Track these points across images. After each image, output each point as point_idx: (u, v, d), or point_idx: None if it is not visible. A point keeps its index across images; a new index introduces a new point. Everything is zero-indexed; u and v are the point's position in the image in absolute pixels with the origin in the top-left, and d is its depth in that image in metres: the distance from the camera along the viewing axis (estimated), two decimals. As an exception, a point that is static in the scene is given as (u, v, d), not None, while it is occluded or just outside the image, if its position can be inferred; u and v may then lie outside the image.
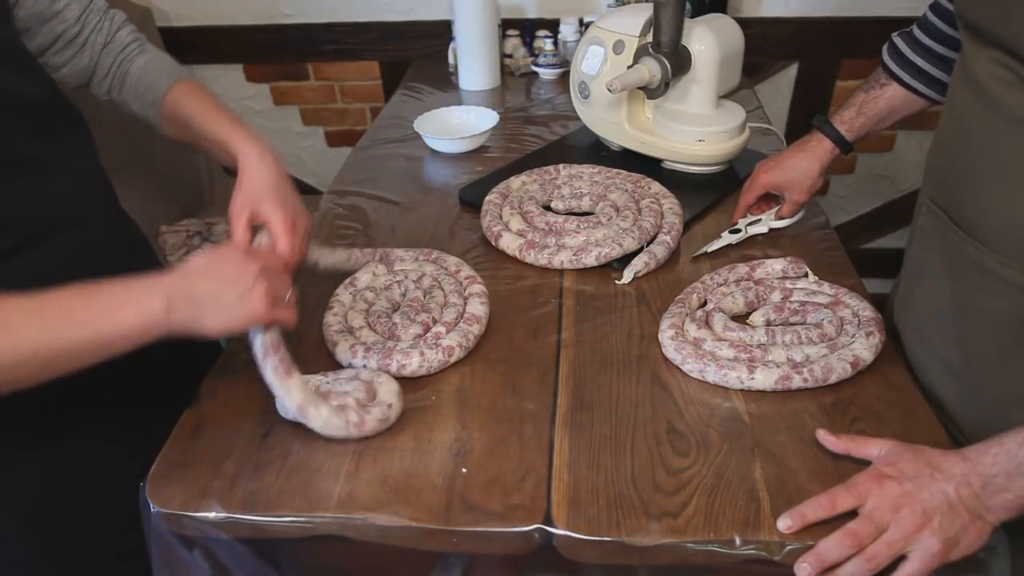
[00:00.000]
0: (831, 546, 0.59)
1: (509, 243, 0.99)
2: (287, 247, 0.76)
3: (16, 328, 0.58)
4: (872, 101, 0.97)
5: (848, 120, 0.99)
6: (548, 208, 1.09)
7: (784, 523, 0.62)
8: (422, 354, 0.79)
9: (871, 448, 0.66)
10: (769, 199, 1.07)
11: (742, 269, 0.93)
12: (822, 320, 0.83)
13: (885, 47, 0.96)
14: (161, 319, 0.62)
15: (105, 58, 0.87)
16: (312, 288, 0.94)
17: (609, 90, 1.09)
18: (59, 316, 0.59)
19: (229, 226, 0.76)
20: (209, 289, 0.64)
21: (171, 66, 0.89)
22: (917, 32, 0.93)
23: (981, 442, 0.62)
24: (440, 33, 1.87)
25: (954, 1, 0.77)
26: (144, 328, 0.62)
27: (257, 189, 0.77)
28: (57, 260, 0.72)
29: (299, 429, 0.74)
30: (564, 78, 1.69)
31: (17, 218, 0.71)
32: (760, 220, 1.04)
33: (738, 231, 1.02)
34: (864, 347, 0.78)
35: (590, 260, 0.96)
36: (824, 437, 0.69)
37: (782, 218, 1.04)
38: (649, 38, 1.14)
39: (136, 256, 0.91)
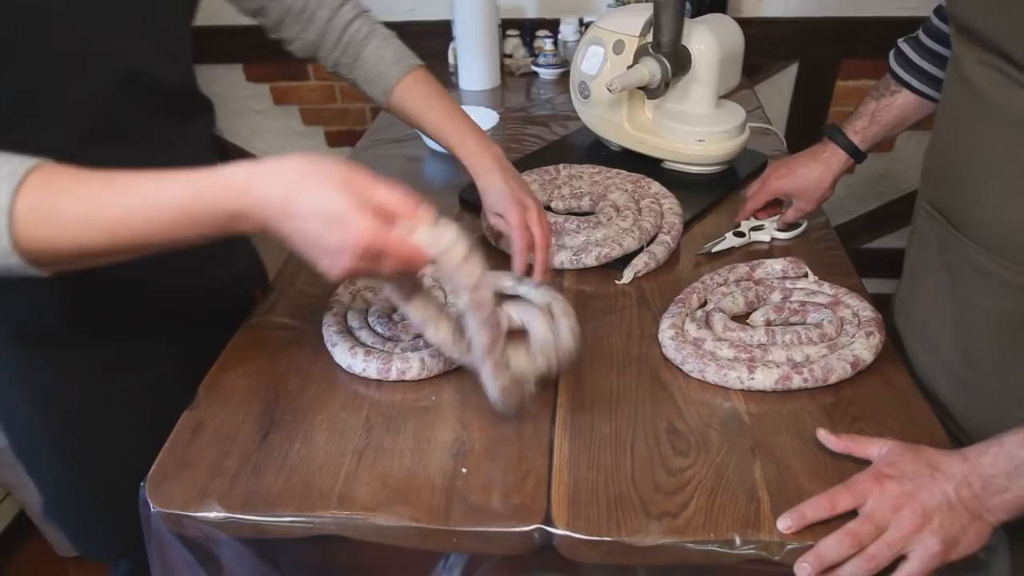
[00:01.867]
0: (831, 546, 0.59)
1: (509, 243, 0.99)
2: (520, 240, 0.84)
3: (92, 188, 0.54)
4: (884, 110, 0.97)
5: (861, 130, 0.99)
6: (548, 208, 1.09)
7: (784, 523, 0.62)
8: (422, 361, 0.79)
9: (871, 448, 0.66)
10: (774, 204, 1.07)
11: (742, 269, 0.93)
12: (822, 320, 0.83)
13: (891, 54, 0.96)
14: (239, 212, 0.54)
15: (331, 32, 0.93)
16: (311, 288, 0.94)
17: (609, 90, 1.09)
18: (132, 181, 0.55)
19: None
20: (308, 228, 0.55)
21: (400, 54, 0.96)
22: (923, 37, 0.92)
23: (980, 443, 0.62)
24: (440, 33, 1.87)
25: (946, 1, 0.77)
26: (219, 220, 0.55)
27: (495, 197, 0.87)
28: None
29: (299, 429, 0.74)
30: (564, 78, 1.69)
31: None
32: (764, 227, 1.04)
33: (742, 234, 1.02)
34: (864, 347, 0.78)
35: (590, 260, 0.96)
36: (824, 436, 0.69)
37: (787, 223, 1.03)
38: (649, 38, 1.14)
39: (229, 238, 0.98)
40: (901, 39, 0.95)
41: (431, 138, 0.95)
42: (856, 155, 1.00)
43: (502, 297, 0.81)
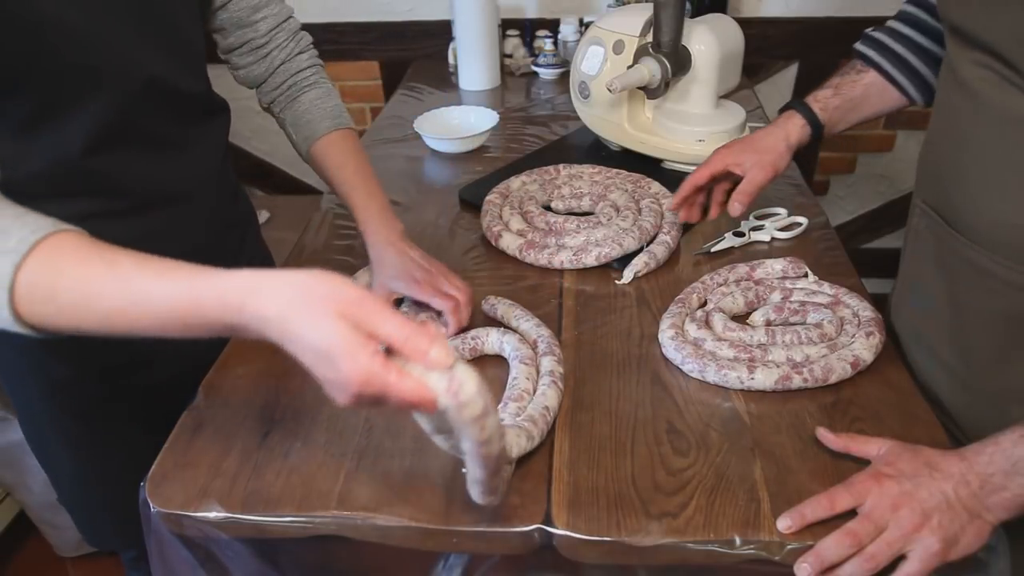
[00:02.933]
0: (830, 546, 0.59)
1: (509, 243, 0.99)
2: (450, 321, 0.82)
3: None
4: (848, 84, 0.94)
5: (823, 99, 0.94)
6: (548, 208, 1.09)
7: (784, 523, 0.62)
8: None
9: (870, 447, 0.66)
10: (725, 183, 0.99)
11: (742, 269, 0.93)
12: (822, 320, 0.83)
13: (858, 41, 0.94)
14: (235, 325, 0.51)
15: (279, 75, 0.95)
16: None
17: (609, 90, 1.09)
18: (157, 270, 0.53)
19: None
20: (303, 358, 0.51)
21: (335, 111, 0.96)
22: (894, 23, 0.92)
23: (978, 442, 0.62)
24: (440, 33, 1.87)
25: (938, 3, 0.77)
26: (218, 325, 0.52)
27: (387, 276, 0.84)
28: (162, 226, 0.78)
29: (299, 429, 0.74)
30: (564, 78, 1.69)
31: (140, 187, 0.78)
32: (764, 227, 1.04)
33: (741, 234, 1.02)
34: (864, 347, 0.78)
35: (590, 260, 0.96)
36: (824, 435, 0.69)
37: (745, 197, 0.93)
38: (649, 38, 1.14)
39: (239, 238, 1.00)
40: (869, 28, 0.94)
41: (339, 196, 0.92)
42: (814, 124, 0.93)
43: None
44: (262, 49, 0.92)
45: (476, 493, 0.60)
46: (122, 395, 0.89)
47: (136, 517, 0.70)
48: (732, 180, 0.97)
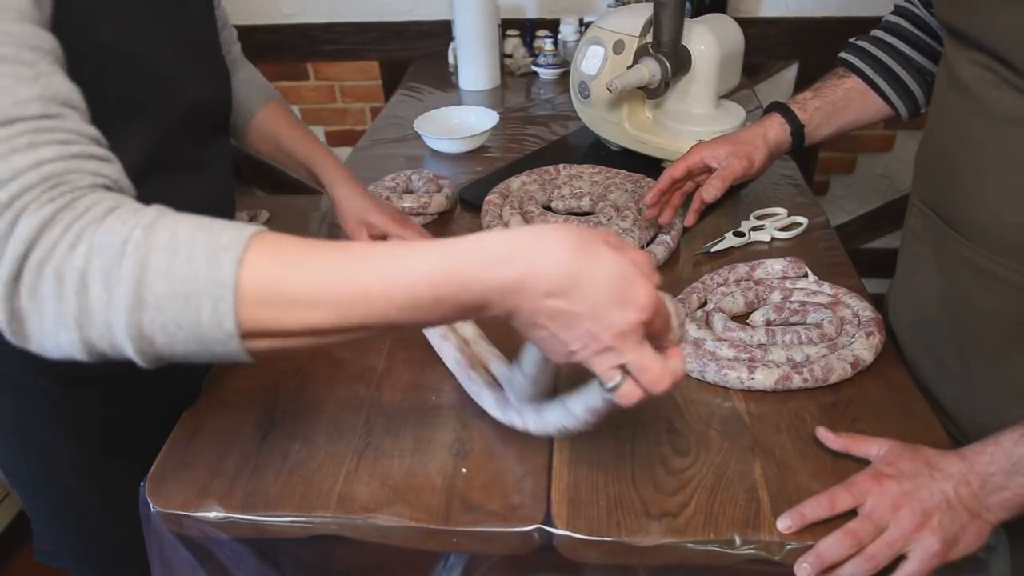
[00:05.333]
0: (831, 546, 0.60)
1: (509, 243, 0.99)
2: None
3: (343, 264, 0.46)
4: (829, 87, 0.95)
5: (802, 100, 0.95)
6: (548, 208, 1.09)
7: (784, 523, 0.62)
8: None
9: (870, 447, 0.66)
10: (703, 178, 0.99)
11: (742, 269, 0.93)
12: (822, 320, 0.83)
13: (843, 49, 0.96)
14: (503, 285, 0.46)
15: None
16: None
17: (609, 90, 1.09)
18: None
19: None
20: (599, 301, 0.47)
21: (264, 84, 0.97)
22: (878, 32, 0.93)
23: (978, 442, 0.62)
24: (440, 33, 1.87)
25: (934, 5, 0.77)
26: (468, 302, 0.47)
27: (359, 209, 0.91)
28: None
29: (299, 429, 0.74)
30: (564, 78, 1.69)
31: (174, 208, 0.73)
32: (764, 227, 1.04)
33: (741, 234, 1.02)
34: (864, 347, 0.78)
35: (590, 260, 0.95)
36: (824, 434, 0.69)
37: (717, 187, 0.93)
38: (649, 38, 1.14)
39: None
40: (854, 37, 0.96)
41: (285, 158, 0.97)
42: (793, 123, 0.94)
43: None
44: None
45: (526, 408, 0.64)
46: (149, 425, 0.84)
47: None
48: (707, 176, 0.98)
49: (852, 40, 0.95)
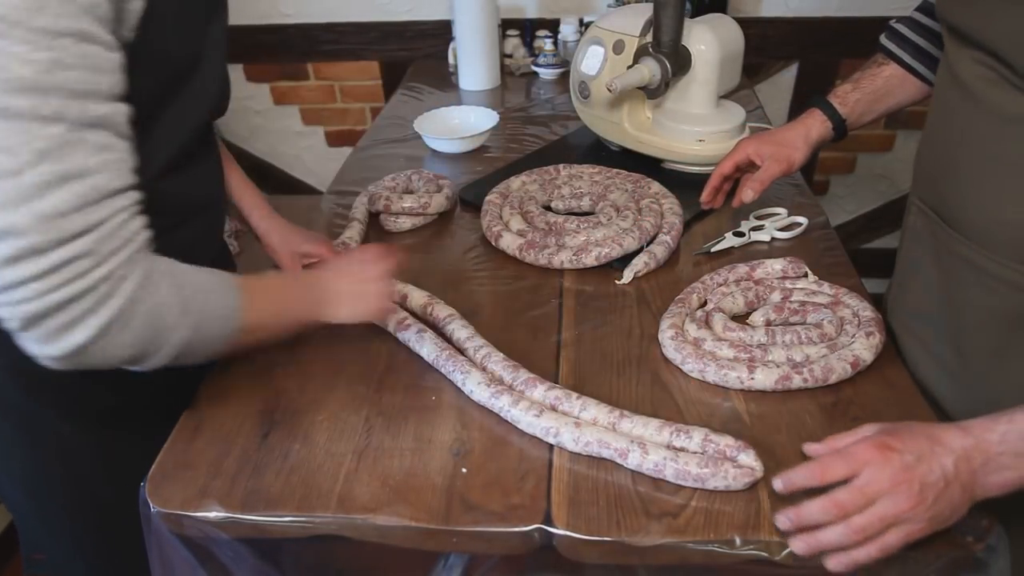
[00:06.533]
0: (813, 511, 0.58)
1: (509, 243, 0.99)
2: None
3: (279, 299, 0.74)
4: (869, 78, 0.96)
5: (843, 94, 0.97)
6: (548, 208, 1.09)
7: (776, 484, 0.61)
8: None
9: (860, 432, 0.64)
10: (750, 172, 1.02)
11: (742, 269, 0.93)
12: (822, 320, 0.83)
13: (883, 33, 0.96)
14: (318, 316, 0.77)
15: None
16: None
17: (609, 90, 1.09)
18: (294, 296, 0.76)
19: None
20: (347, 287, 0.78)
21: None
22: (916, 14, 0.92)
23: (986, 417, 0.59)
24: (440, 33, 1.87)
25: (936, 3, 0.77)
26: (314, 320, 0.77)
27: (290, 242, 0.97)
28: (194, 237, 0.79)
29: (299, 429, 0.74)
30: (564, 78, 1.69)
31: (181, 203, 0.79)
32: (764, 227, 1.04)
33: (741, 234, 1.02)
34: (864, 347, 0.78)
35: (590, 260, 0.96)
36: (809, 447, 0.67)
37: (759, 185, 0.97)
38: (649, 38, 1.14)
39: (223, 247, 1.02)
40: (893, 20, 0.95)
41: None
42: (835, 119, 0.96)
43: None
44: None
45: None
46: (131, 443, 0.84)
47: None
48: (754, 170, 1.00)
49: (892, 23, 0.95)
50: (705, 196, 1.06)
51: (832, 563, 0.59)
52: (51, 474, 0.86)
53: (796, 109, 1.99)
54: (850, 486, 0.59)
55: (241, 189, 0.98)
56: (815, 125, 0.98)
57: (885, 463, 0.58)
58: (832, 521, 0.58)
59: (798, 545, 0.60)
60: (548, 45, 1.77)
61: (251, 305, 0.68)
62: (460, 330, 0.83)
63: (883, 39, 0.95)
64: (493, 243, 1.02)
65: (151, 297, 0.60)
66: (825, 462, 0.61)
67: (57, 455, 0.85)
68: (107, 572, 0.96)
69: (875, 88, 0.95)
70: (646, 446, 0.67)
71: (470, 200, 1.15)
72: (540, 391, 0.74)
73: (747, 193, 0.98)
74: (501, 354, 0.79)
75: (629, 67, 1.13)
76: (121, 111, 0.59)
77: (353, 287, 0.79)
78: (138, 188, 0.61)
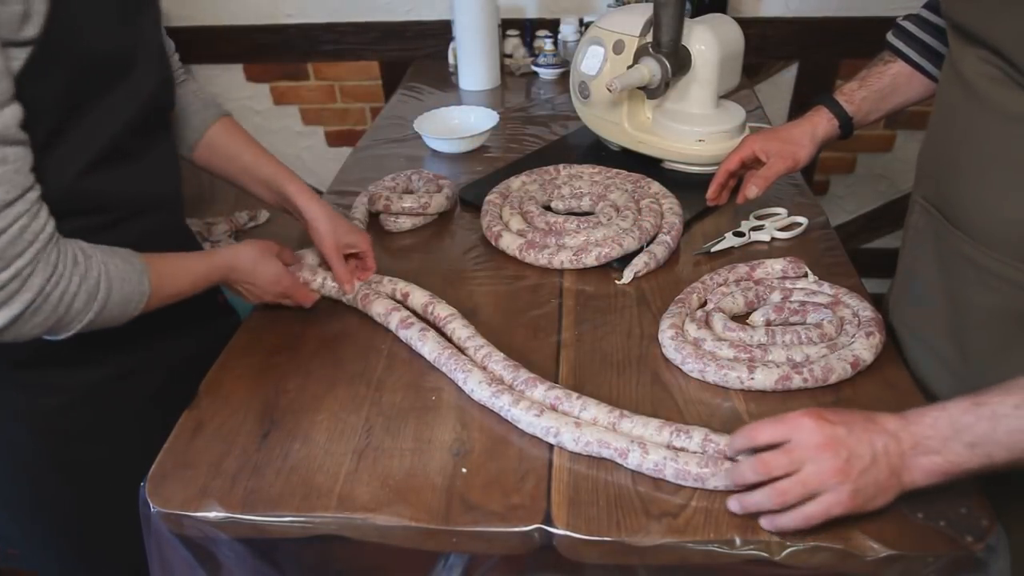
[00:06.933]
0: (745, 470, 0.61)
1: (509, 243, 0.99)
2: (374, 263, 0.95)
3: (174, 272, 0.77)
4: (875, 76, 0.96)
5: (849, 92, 0.97)
6: (548, 208, 1.09)
7: (722, 478, 0.64)
8: None
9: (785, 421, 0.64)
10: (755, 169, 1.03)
11: (742, 269, 0.93)
12: (822, 320, 0.83)
13: (890, 30, 0.96)
14: (224, 280, 0.84)
15: None
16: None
17: (609, 90, 1.09)
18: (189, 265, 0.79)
19: (329, 263, 0.92)
20: (250, 284, 0.85)
21: (214, 100, 0.97)
22: (923, 11, 0.92)
23: (923, 407, 0.61)
24: (440, 33, 1.87)
25: (941, 1, 0.77)
26: (218, 280, 0.83)
27: (338, 232, 0.92)
28: (136, 238, 0.78)
29: (299, 429, 0.74)
30: (564, 78, 1.69)
31: (116, 199, 0.79)
32: (764, 227, 1.04)
33: (741, 234, 1.02)
34: (864, 347, 0.78)
35: (590, 260, 0.96)
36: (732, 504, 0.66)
37: (763, 182, 0.98)
38: (649, 38, 1.14)
39: (186, 239, 0.99)
40: (900, 17, 0.95)
41: (244, 175, 0.96)
42: (841, 117, 0.96)
43: None
44: None
45: None
46: (115, 414, 0.86)
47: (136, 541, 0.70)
48: (759, 167, 1.01)
49: (899, 20, 0.95)
50: (711, 192, 1.06)
51: (764, 523, 0.62)
52: (7, 475, 0.87)
53: (796, 109, 1.99)
54: (779, 449, 0.61)
55: (283, 174, 0.95)
56: (821, 123, 0.98)
57: (816, 429, 0.60)
58: (757, 480, 0.60)
59: (732, 504, 0.63)
60: (548, 45, 1.77)
61: (158, 292, 0.73)
62: (461, 330, 0.83)
63: (890, 36, 0.95)
64: (493, 243, 1.02)
65: (59, 288, 0.64)
66: (760, 424, 0.63)
67: (10, 457, 0.85)
68: (80, 570, 0.96)
69: (882, 86, 0.95)
70: (646, 446, 0.67)
71: (470, 200, 1.15)
72: (540, 391, 0.74)
73: (751, 189, 0.99)
74: (501, 354, 0.79)
75: (629, 67, 1.13)
76: (6, 117, 0.59)
77: (251, 290, 0.86)
78: (57, 185, 0.64)
